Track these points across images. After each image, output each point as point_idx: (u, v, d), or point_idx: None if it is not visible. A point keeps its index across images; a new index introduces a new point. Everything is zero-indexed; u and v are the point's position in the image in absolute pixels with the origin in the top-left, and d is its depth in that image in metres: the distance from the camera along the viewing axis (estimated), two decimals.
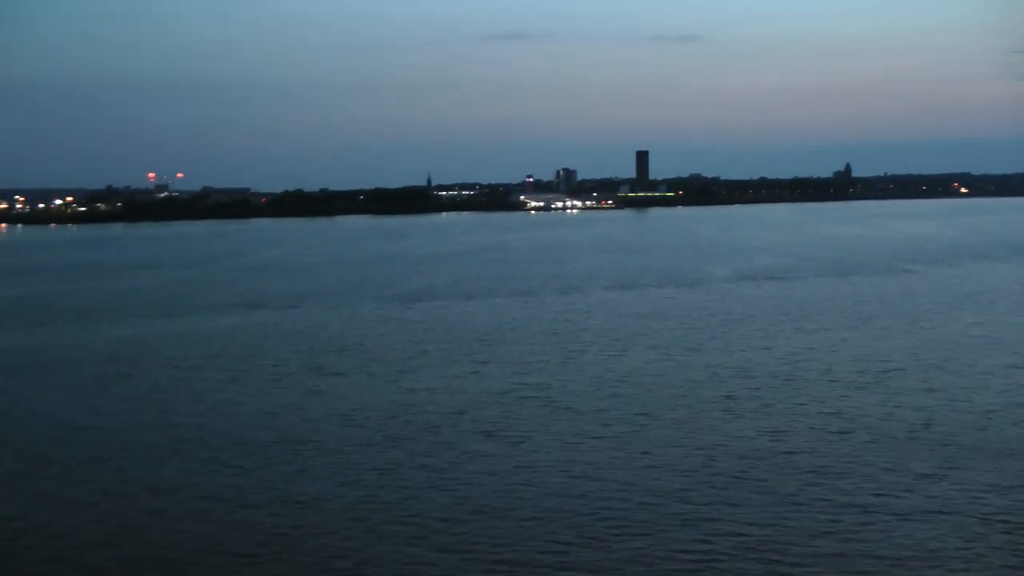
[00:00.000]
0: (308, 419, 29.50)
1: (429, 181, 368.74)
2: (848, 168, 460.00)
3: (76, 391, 35.06)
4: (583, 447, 25.73)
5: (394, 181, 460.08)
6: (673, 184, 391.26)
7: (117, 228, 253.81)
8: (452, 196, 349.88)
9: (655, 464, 23.96)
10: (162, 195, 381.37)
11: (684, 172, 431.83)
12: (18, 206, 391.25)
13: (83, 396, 34.15)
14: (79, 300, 67.49)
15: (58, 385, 36.30)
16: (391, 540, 19.51)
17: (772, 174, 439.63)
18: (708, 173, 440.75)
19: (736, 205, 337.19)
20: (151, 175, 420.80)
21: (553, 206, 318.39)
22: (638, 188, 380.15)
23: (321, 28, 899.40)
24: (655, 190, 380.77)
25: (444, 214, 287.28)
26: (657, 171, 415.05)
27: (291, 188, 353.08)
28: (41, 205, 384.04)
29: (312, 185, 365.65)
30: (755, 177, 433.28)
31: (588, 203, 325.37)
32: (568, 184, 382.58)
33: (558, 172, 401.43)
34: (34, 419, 31.01)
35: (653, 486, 22.27)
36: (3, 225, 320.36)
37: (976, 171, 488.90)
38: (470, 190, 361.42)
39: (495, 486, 22.72)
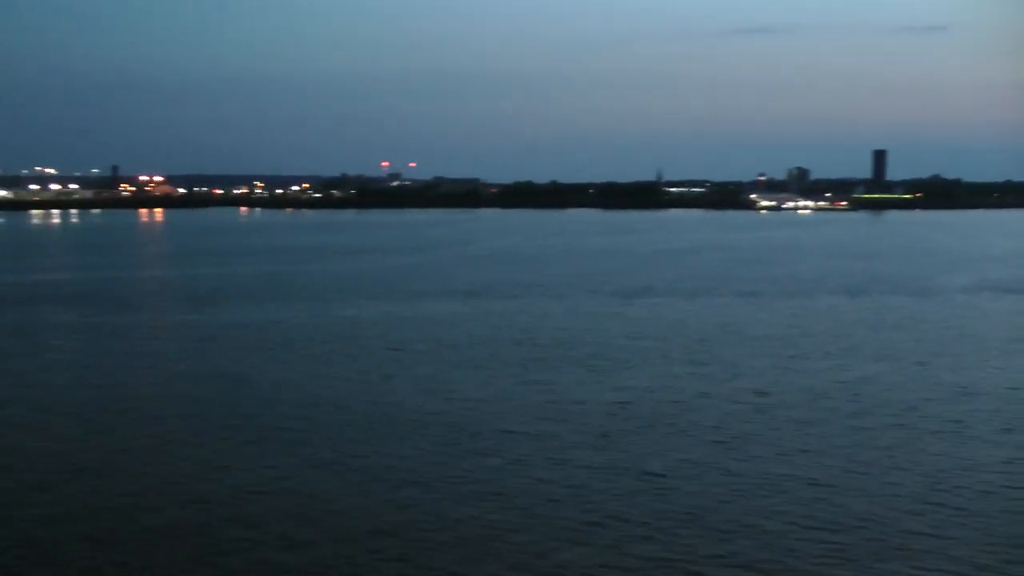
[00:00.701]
0: (521, 410, 29.86)
1: (659, 176, 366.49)
2: None
3: (304, 367, 36.73)
4: (798, 461, 24.90)
5: (624, 175, 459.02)
6: (911, 186, 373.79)
7: (349, 214, 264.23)
8: (682, 193, 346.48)
9: (868, 489, 22.81)
10: (394, 183, 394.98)
11: (924, 173, 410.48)
12: (258, 191, 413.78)
13: (310, 372, 35.74)
14: (311, 280, 70.95)
15: (287, 360, 38.16)
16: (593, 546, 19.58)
17: (1020, 177, 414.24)
18: (950, 174, 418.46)
19: (979, 210, 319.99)
20: (385, 164, 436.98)
21: (784, 206, 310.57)
22: (874, 189, 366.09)
23: (555, 22, 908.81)
24: (892, 191, 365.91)
25: (672, 211, 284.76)
26: (895, 171, 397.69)
27: (521, 180, 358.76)
28: (279, 191, 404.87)
29: (542, 177, 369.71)
30: (1000, 180, 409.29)
31: (820, 204, 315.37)
32: (800, 183, 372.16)
33: (790, 171, 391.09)
34: (266, 390, 32.70)
35: (872, 511, 21.17)
36: (244, 208, 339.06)
37: None
38: (700, 187, 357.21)
39: (702, 490, 22.37)
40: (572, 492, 22.18)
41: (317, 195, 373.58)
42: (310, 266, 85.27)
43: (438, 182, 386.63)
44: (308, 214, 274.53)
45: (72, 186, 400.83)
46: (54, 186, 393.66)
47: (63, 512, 20.99)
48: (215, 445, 26.14)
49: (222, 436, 27.04)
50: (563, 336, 44.26)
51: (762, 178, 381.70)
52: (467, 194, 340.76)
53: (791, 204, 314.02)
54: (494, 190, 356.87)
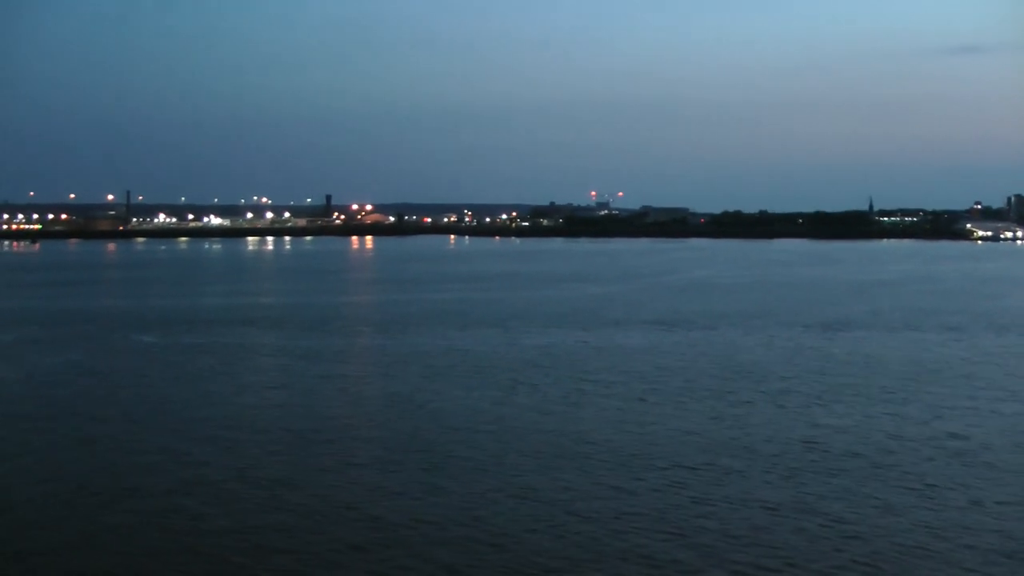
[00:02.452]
0: (708, 445, 28.83)
1: (871, 205, 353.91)
2: None
3: (488, 394, 36.80)
4: (994, 511, 22.86)
5: (834, 204, 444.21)
6: None
7: (557, 242, 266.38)
8: (895, 222, 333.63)
9: None
10: (602, 212, 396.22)
11: None
12: (466, 219, 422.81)
13: (494, 399, 35.77)
14: (506, 308, 71.46)
15: (472, 387, 38.31)
16: None
17: None
18: None
19: None
20: (593, 193, 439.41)
21: (1002, 236, 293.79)
22: None
23: (751, 47, 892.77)
24: None
25: (884, 241, 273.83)
26: None
27: (730, 208, 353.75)
28: (488, 219, 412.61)
29: (751, 206, 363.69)
30: None
31: None
32: (1020, 212, 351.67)
33: (1009, 199, 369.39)
34: (448, 417, 32.89)
35: None
36: (452, 236, 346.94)
37: None
38: (913, 216, 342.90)
39: (887, 537, 20.94)
40: (752, 533, 21.08)
41: (525, 223, 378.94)
42: (508, 294, 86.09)
43: (646, 211, 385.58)
44: (516, 242, 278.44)
45: (286, 215, 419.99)
46: (269, 215, 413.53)
47: (233, 525, 21.44)
48: (392, 470, 26.28)
49: (399, 460, 27.16)
50: (755, 370, 42.78)
51: (977, 206, 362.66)
52: (675, 223, 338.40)
53: (1009, 234, 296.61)
54: (703, 220, 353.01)
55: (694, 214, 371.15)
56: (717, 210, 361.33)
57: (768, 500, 23.33)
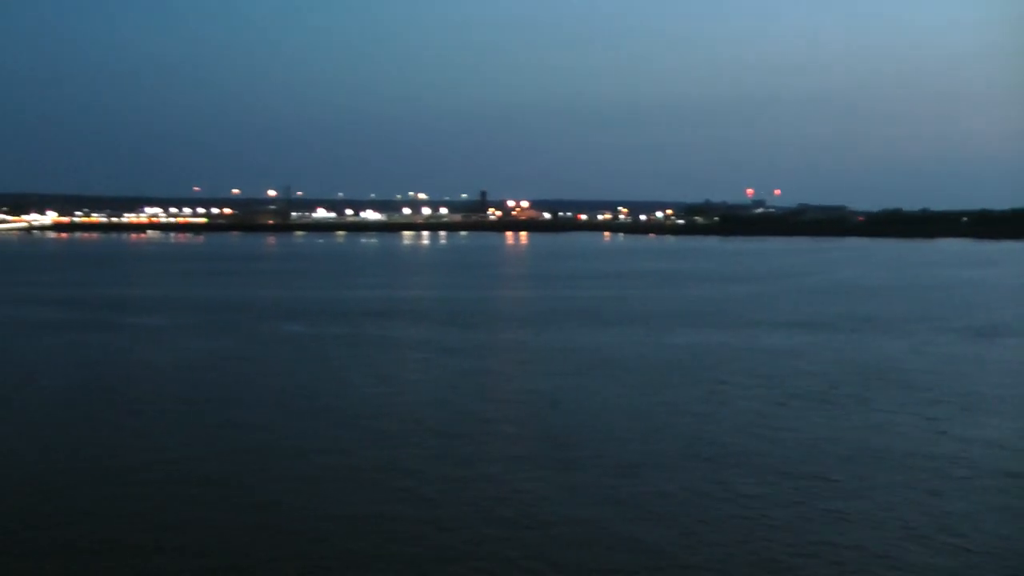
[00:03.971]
0: (845, 457, 27.32)
1: None
2: None
3: (623, 392, 36.04)
4: None
5: (1002, 202, 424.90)
6: None
7: (712, 241, 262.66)
8: None
9: None
10: (758, 211, 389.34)
11: None
12: (621, 216, 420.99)
13: (629, 398, 34.98)
14: (651, 306, 70.48)
15: (610, 385, 37.60)
16: None
17: None
18: None
19: None
20: (749, 191, 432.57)
21: None
22: None
23: (918, 39, 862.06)
24: None
25: None
26: None
27: (890, 206, 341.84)
28: (643, 216, 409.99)
29: (913, 203, 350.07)
30: None
31: None
32: None
33: None
34: (581, 415, 32.29)
35: None
36: (607, 233, 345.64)
37: None
38: None
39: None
40: (884, 558, 19.80)
41: (680, 221, 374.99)
42: (654, 291, 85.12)
43: (803, 209, 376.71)
44: (670, 240, 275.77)
45: (442, 210, 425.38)
46: (425, 210, 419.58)
47: (357, 511, 21.32)
48: (526, 467, 25.80)
49: (532, 457, 26.71)
50: (901, 376, 40.66)
51: None
52: (832, 222, 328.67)
53: None
54: (861, 218, 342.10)
55: (852, 212, 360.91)
56: (876, 207, 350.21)
57: (908, 520, 21.92)
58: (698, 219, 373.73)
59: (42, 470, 25.23)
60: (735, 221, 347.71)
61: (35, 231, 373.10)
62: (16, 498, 22.78)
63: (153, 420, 31.48)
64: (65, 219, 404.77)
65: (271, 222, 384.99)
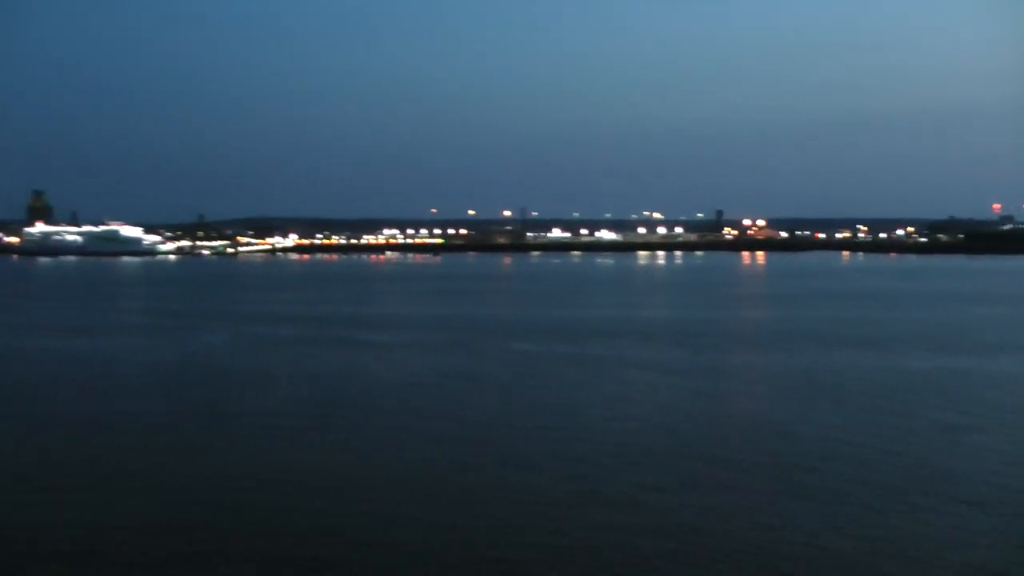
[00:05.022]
0: None
1: None
2: None
3: (848, 419, 34.43)
4: None
5: None
6: None
7: (956, 259, 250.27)
8: None
9: None
10: (1006, 227, 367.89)
11: None
12: (860, 234, 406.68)
13: (853, 425, 33.40)
14: (884, 327, 67.33)
15: (836, 410, 36.06)
16: None
17: None
18: None
19: None
20: (996, 206, 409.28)
21: None
22: None
23: None
24: None
25: None
26: None
27: None
28: (883, 234, 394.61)
29: None
30: None
31: None
32: None
33: None
34: (801, 440, 31.06)
35: None
36: (846, 253, 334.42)
37: None
38: None
39: None
40: None
41: (922, 239, 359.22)
42: (890, 313, 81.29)
43: None
44: (912, 259, 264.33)
45: (677, 229, 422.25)
46: (661, 229, 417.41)
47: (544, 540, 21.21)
48: (743, 491, 25.12)
49: (749, 483, 25.88)
50: None
51: None
52: None
53: None
54: None
55: None
56: None
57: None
58: (941, 236, 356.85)
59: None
60: (981, 238, 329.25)
61: (278, 253, 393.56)
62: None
63: (381, 430, 32.37)
64: (306, 241, 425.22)
65: (502, 242, 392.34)
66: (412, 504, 23.93)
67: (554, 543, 21.07)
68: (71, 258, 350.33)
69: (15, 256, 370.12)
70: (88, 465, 28.22)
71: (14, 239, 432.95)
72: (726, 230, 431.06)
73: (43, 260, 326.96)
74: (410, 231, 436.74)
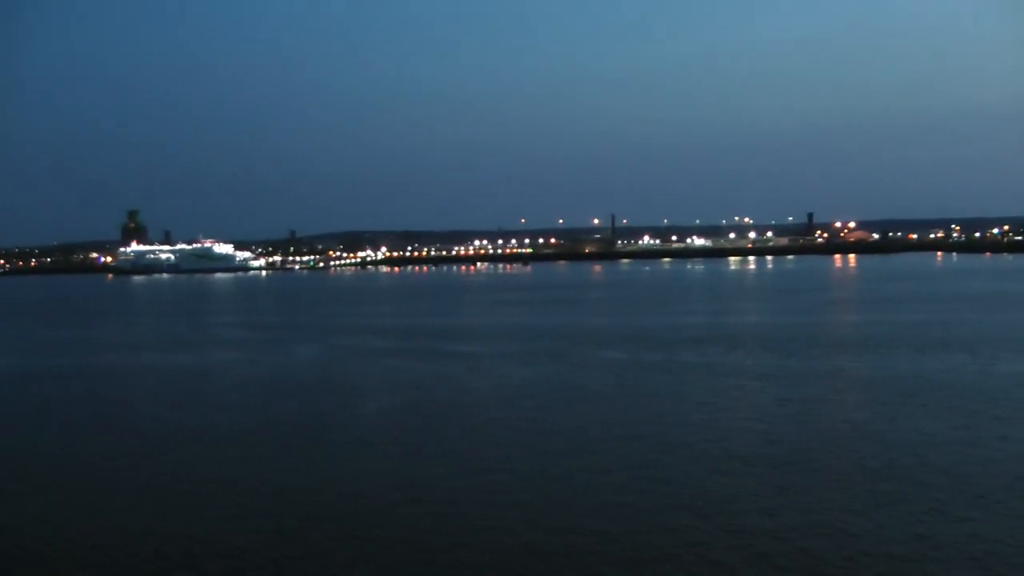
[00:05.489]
0: None
1: None
2: None
3: (941, 426, 33.72)
4: None
5: None
6: None
7: None
8: None
9: None
10: None
11: None
12: (954, 235, 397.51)
13: (946, 432, 32.73)
14: (978, 330, 65.64)
15: (928, 416, 35.42)
16: None
17: None
18: None
19: None
20: None
21: None
22: None
23: None
24: None
25: None
26: None
27: None
28: (977, 234, 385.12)
29: None
30: None
31: None
32: None
33: None
34: (896, 448, 30.55)
35: None
36: (939, 253, 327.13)
37: None
38: None
39: None
40: None
41: (1018, 238, 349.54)
42: (986, 315, 79.10)
43: None
44: (1007, 259, 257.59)
45: (768, 234, 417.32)
46: (751, 234, 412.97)
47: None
48: (848, 496, 24.90)
49: (843, 491, 25.54)
50: None
51: None
52: None
53: None
54: None
55: None
56: None
57: None
58: None
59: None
60: None
61: (369, 266, 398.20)
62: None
63: (469, 441, 32.69)
64: (396, 254, 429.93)
65: (588, 251, 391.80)
66: (503, 512, 24.19)
67: (640, 556, 21.14)
68: (165, 276, 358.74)
69: (110, 275, 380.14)
70: (209, 476, 29.08)
71: (109, 259, 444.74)
72: (817, 233, 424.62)
73: (137, 278, 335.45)
74: (500, 242, 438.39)
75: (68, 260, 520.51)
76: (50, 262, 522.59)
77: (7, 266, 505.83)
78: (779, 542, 21.50)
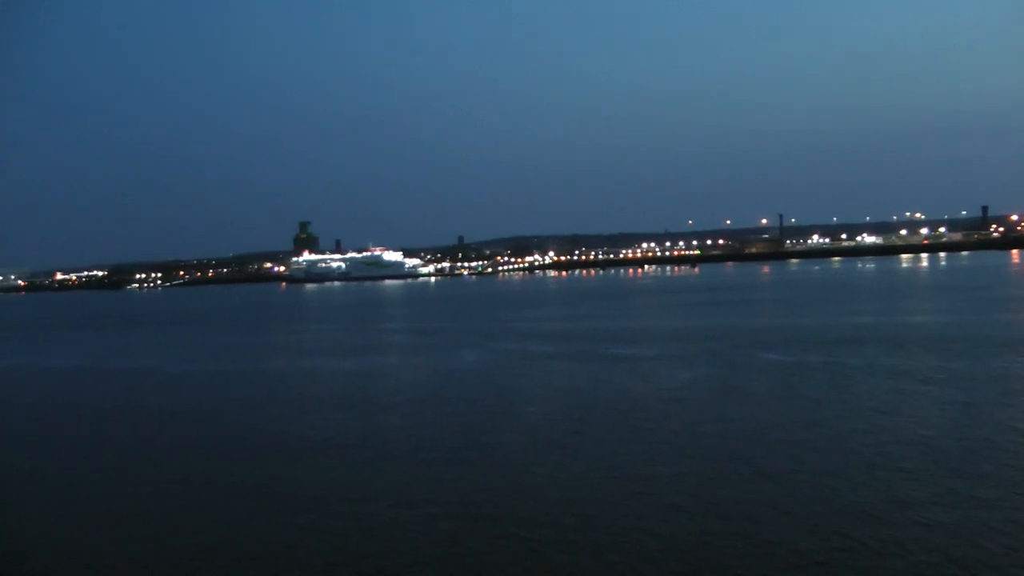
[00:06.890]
0: None
1: None
2: None
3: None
4: None
5: None
6: None
7: None
8: None
9: None
10: None
11: None
12: None
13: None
14: None
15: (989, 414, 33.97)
16: None
17: None
18: None
19: None
20: None
21: None
22: None
23: None
24: None
25: None
26: None
27: None
28: None
29: None
30: None
31: None
32: None
33: None
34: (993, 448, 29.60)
35: None
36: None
37: None
38: None
39: None
40: None
41: None
42: None
43: None
44: None
45: (941, 229, 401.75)
46: (923, 230, 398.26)
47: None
48: (1018, 507, 24.11)
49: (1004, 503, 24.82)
50: None
51: None
52: None
53: None
54: None
55: None
56: None
57: None
58: None
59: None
60: None
61: (536, 271, 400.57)
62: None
63: (629, 444, 32.95)
64: (564, 258, 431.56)
65: (754, 250, 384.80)
66: (661, 518, 24.47)
67: (799, 562, 21.10)
68: (336, 284, 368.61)
69: (283, 284, 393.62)
70: (388, 477, 30.29)
71: (282, 268, 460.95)
72: (993, 227, 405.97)
73: (309, 287, 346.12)
74: (667, 244, 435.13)
75: (243, 271, 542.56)
76: (226, 273, 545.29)
77: (187, 277, 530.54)
78: (932, 553, 21.14)
